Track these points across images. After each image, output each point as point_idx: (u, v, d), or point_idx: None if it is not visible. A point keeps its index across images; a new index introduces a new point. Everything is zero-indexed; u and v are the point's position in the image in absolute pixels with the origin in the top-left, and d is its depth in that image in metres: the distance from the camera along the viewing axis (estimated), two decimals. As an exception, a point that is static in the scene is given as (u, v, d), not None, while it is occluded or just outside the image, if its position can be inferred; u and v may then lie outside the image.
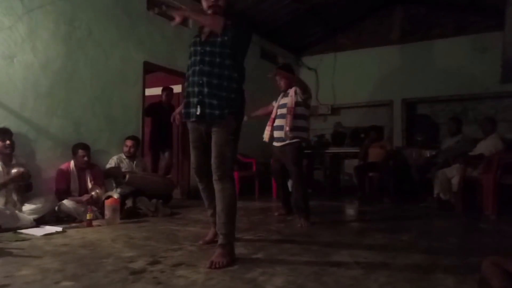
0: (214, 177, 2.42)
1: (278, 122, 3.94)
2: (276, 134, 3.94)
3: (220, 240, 2.34)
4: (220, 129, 2.41)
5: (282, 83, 4.01)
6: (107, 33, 4.67)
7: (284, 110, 3.88)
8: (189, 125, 2.60)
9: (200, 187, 2.74)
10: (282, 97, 4.04)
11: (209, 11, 2.49)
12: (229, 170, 2.42)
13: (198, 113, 2.41)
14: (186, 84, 2.57)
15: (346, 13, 7.67)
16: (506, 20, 5.39)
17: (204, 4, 2.53)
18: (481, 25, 6.88)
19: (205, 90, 2.40)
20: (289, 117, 3.77)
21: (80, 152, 4.01)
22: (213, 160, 2.41)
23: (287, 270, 2.13)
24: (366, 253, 2.54)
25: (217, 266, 2.17)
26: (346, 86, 7.94)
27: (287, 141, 3.79)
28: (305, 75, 8.41)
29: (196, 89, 2.43)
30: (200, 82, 2.42)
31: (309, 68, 8.34)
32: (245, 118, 3.04)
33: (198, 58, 2.46)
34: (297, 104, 3.83)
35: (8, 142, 3.50)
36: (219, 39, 2.41)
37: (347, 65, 7.97)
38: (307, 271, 2.13)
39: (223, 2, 2.53)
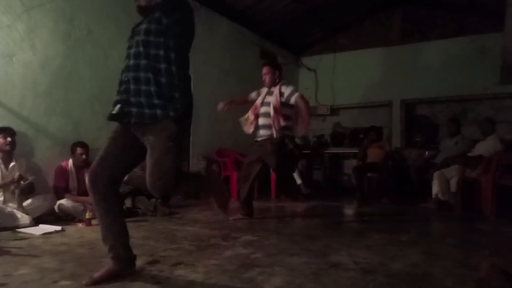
0: (156, 192, 2.02)
1: (262, 120, 3.86)
2: (260, 132, 3.89)
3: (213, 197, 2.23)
4: (155, 134, 1.95)
5: (266, 79, 3.93)
6: (106, 32, 4.66)
7: (268, 109, 3.82)
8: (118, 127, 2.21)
9: (95, 198, 1.99)
10: (266, 94, 3.93)
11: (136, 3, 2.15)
12: (172, 183, 1.97)
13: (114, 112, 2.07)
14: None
15: (345, 14, 7.67)
16: (505, 21, 5.39)
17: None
18: (480, 26, 6.88)
19: (131, 87, 2.01)
20: (277, 117, 3.74)
21: (79, 150, 4.01)
22: (148, 174, 1.94)
23: (286, 270, 2.13)
24: (365, 253, 2.54)
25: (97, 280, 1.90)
26: (346, 87, 7.94)
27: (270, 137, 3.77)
28: (304, 75, 8.43)
29: (122, 87, 2.08)
30: (126, 79, 2.04)
31: (309, 69, 8.34)
32: (220, 105, 3.02)
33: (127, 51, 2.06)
34: (282, 104, 3.78)
35: (9, 139, 3.50)
36: (152, 25, 1.99)
37: (347, 66, 7.97)
38: (305, 271, 2.13)
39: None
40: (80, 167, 4.06)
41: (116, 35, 4.79)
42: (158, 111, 1.93)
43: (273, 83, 3.89)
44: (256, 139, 3.96)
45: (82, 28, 4.40)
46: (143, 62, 1.97)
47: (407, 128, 7.56)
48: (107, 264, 1.99)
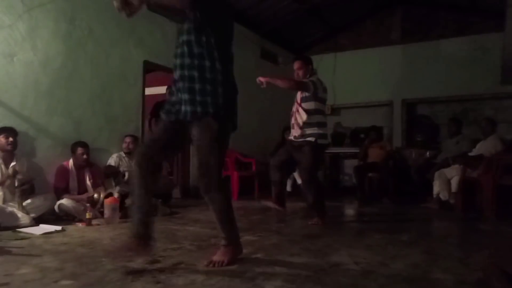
0: (201, 189, 2.21)
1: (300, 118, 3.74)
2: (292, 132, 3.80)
3: (222, 241, 2.27)
4: (199, 132, 2.09)
5: (300, 74, 3.81)
6: (107, 32, 4.67)
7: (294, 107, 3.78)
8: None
9: (137, 172, 2.15)
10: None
11: None
12: (215, 180, 2.15)
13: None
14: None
15: (346, 13, 7.66)
16: (506, 21, 5.39)
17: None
18: (481, 25, 6.88)
19: (179, 85, 2.13)
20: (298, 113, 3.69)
21: (79, 150, 4.01)
22: (197, 171, 2.18)
23: (286, 270, 2.13)
24: (366, 253, 2.54)
25: (215, 265, 2.16)
26: (346, 86, 7.93)
27: (302, 139, 3.64)
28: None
29: (173, 87, 2.20)
30: (175, 78, 2.16)
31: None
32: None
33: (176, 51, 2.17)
34: (304, 99, 3.69)
35: (11, 139, 3.51)
36: (192, 24, 2.09)
37: (347, 65, 7.96)
38: (306, 271, 2.13)
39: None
40: (81, 167, 4.06)
41: (117, 34, 4.80)
42: (199, 108, 2.06)
43: (306, 78, 3.76)
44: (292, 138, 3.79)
45: (83, 28, 4.40)
46: (187, 61, 2.09)
47: (408, 128, 7.55)
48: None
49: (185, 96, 2.09)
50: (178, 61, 2.13)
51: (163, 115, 2.25)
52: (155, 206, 4.15)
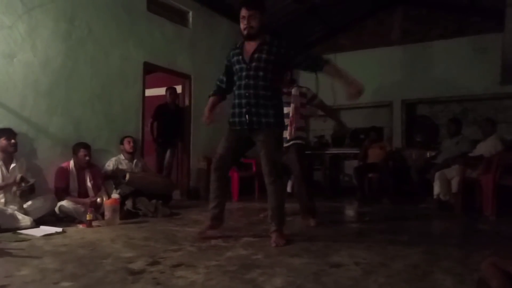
0: (268, 181, 2.80)
1: None
2: None
3: (274, 227, 2.81)
4: (267, 136, 2.80)
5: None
6: (107, 32, 4.67)
7: (287, 109, 3.78)
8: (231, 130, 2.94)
9: (213, 177, 2.92)
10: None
11: (244, 33, 2.82)
12: (280, 173, 2.83)
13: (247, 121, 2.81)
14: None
15: (346, 14, 7.67)
16: (506, 21, 5.40)
17: (240, 26, 2.83)
18: (481, 26, 6.88)
19: (252, 101, 2.81)
20: (296, 118, 3.80)
21: (82, 151, 4.01)
22: (264, 167, 2.79)
23: (287, 271, 2.13)
24: (366, 253, 2.54)
25: (280, 244, 2.71)
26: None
27: (292, 142, 3.75)
28: (304, 75, 8.40)
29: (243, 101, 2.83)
30: (247, 94, 2.82)
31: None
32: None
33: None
34: (302, 105, 3.91)
35: (13, 141, 3.51)
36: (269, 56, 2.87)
37: (347, 66, 7.79)
38: (306, 271, 2.13)
39: (256, 23, 2.78)
40: (82, 168, 4.06)
41: (117, 34, 4.80)
42: (271, 120, 2.83)
43: (288, 83, 3.93)
44: None
45: (82, 28, 4.40)
46: (261, 83, 2.82)
47: (407, 129, 7.55)
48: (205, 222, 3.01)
49: (260, 111, 2.83)
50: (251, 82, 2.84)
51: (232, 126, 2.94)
52: (155, 207, 4.17)
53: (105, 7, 4.65)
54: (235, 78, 2.92)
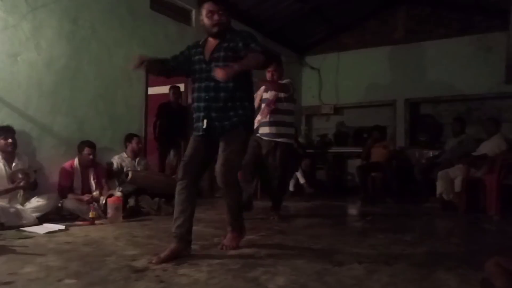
0: (220, 183, 2.53)
1: (274, 117, 3.94)
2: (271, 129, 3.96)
3: (230, 228, 2.69)
4: (231, 137, 2.53)
5: (275, 76, 4.00)
6: (111, 32, 4.68)
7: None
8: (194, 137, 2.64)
9: (179, 186, 2.50)
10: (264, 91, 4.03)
11: (214, 30, 2.53)
12: (235, 177, 2.61)
13: (204, 126, 2.52)
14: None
15: (349, 13, 7.65)
16: (510, 20, 5.37)
17: (207, 22, 2.54)
18: (485, 25, 6.85)
19: (213, 105, 2.53)
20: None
21: (87, 150, 4.03)
22: (219, 168, 2.50)
23: (290, 270, 2.13)
24: (369, 253, 2.54)
25: (225, 248, 2.58)
26: (349, 86, 7.92)
27: (280, 139, 3.90)
28: (308, 74, 8.41)
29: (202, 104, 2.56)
30: (207, 97, 2.54)
31: (312, 68, 8.33)
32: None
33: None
34: (278, 100, 3.91)
35: (10, 140, 3.50)
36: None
37: (350, 65, 7.95)
38: (309, 270, 2.13)
39: (225, 18, 2.54)
40: (86, 166, 4.07)
41: (121, 34, 4.81)
42: (234, 119, 2.54)
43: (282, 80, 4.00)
44: (262, 135, 3.98)
45: (86, 28, 4.41)
46: (222, 84, 2.48)
47: (411, 128, 7.53)
48: (170, 244, 2.42)
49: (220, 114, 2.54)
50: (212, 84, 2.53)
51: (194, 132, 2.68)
52: (158, 205, 4.18)
53: (108, 7, 4.66)
54: (194, 78, 2.63)
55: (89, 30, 4.44)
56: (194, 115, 2.60)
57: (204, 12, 2.55)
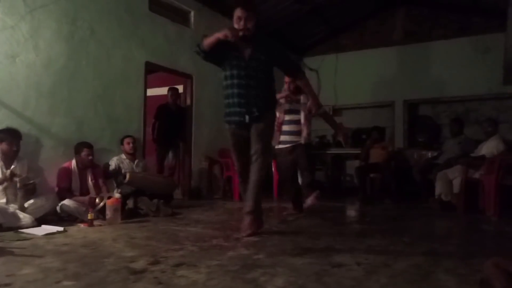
0: (254, 152, 2.92)
1: (289, 127, 4.23)
2: (286, 138, 4.24)
3: (248, 208, 2.90)
4: (263, 119, 2.97)
5: (291, 87, 4.18)
6: (109, 33, 4.68)
7: (296, 117, 4.23)
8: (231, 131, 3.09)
9: (240, 180, 3.19)
10: (292, 101, 4.23)
11: (241, 34, 2.85)
12: (268, 147, 3.03)
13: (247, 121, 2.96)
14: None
15: (348, 14, 7.67)
16: (508, 21, 5.38)
17: (236, 26, 2.89)
18: (483, 26, 6.87)
19: (252, 100, 2.97)
20: (306, 124, 4.23)
21: (85, 151, 4.02)
22: (254, 145, 2.92)
23: (288, 271, 2.12)
24: (368, 254, 2.54)
25: (246, 232, 2.85)
26: (348, 87, 7.93)
27: (299, 142, 4.22)
28: (306, 75, 8.40)
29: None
30: (242, 93, 2.96)
31: (311, 69, 8.34)
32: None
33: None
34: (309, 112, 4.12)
35: (14, 149, 3.49)
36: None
37: (349, 66, 7.96)
38: (308, 271, 2.12)
39: (252, 25, 2.86)
40: (84, 167, 4.07)
41: (119, 35, 4.81)
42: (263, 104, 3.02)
43: (294, 92, 4.17)
44: (279, 146, 4.28)
45: (85, 29, 4.41)
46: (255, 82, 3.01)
47: (409, 129, 7.55)
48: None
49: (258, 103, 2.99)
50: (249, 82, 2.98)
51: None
52: (157, 207, 4.17)
53: (107, 8, 4.66)
54: (227, 73, 3.00)
55: (88, 31, 4.44)
56: (230, 109, 2.99)
57: (234, 16, 2.90)
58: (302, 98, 4.18)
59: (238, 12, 2.87)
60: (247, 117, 2.95)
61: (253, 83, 2.94)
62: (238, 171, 3.22)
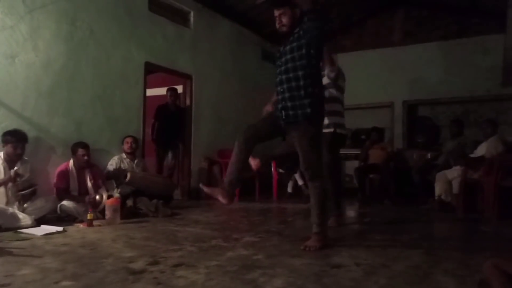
0: (306, 177, 2.79)
1: None
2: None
3: (314, 228, 2.72)
4: (299, 133, 2.71)
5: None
6: (108, 33, 4.68)
7: None
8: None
9: (239, 141, 2.81)
10: None
11: (280, 31, 2.84)
12: (317, 171, 2.73)
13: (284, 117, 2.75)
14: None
15: (347, 15, 7.67)
16: (507, 22, 5.39)
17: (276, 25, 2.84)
18: (482, 27, 6.87)
19: (286, 95, 2.75)
20: None
21: (80, 151, 4.02)
22: (301, 164, 2.76)
23: (287, 271, 2.12)
24: (367, 254, 2.54)
25: (310, 249, 2.61)
26: (347, 88, 7.87)
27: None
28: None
29: (279, 96, 2.80)
30: (281, 89, 2.78)
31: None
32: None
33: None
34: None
35: (19, 152, 3.49)
36: (295, 43, 2.72)
37: (349, 67, 7.87)
38: (307, 272, 2.12)
39: (287, 19, 2.77)
40: (81, 168, 4.06)
41: (119, 35, 4.80)
42: (299, 111, 2.69)
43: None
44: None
45: (84, 29, 4.41)
46: (292, 75, 2.72)
47: (409, 130, 7.54)
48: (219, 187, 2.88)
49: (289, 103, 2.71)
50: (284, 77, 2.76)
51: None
52: (156, 207, 4.17)
53: (106, 8, 4.66)
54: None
55: (87, 31, 4.44)
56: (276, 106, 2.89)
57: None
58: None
59: (274, 13, 2.84)
60: (283, 113, 2.75)
61: (286, 77, 2.74)
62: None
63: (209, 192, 2.86)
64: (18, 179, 3.42)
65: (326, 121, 3.53)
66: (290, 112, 2.71)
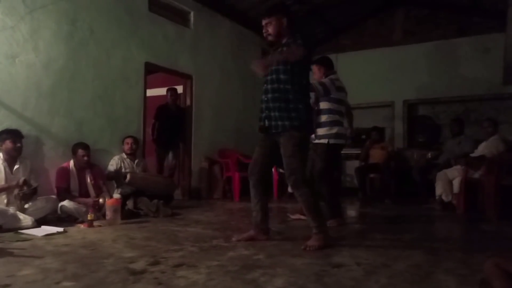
0: (289, 184, 2.83)
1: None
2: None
3: (313, 230, 2.73)
4: (283, 140, 2.72)
5: (315, 77, 3.78)
6: (109, 33, 4.68)
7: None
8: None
9: (250, 183, 2.93)
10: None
11: (267, 40, 2.85)
12: (299, 177, 2.72)
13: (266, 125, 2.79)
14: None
15: (348, 14, 7.66)
16: (508, 21, 5.38)
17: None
18: (483, 26, 6.86)
19: (270, 105, 2.76)
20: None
21: (80, 151, 4.02)
22: (285, 171, 2.79)
23: (288, 271, 2.12)
24: (367, 254, 2.54)
25: (311, 248, 2.61)
26: (348, 87, 7.81)
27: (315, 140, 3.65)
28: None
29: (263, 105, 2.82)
30: (265, 99, 2.79)
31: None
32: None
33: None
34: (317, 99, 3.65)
35: (18, 145, 3.52)
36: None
37: (349, 66, 7.93)
38: (308, 272, 2.12)
39: (272, 29, 2.78)
40: (82, 168, 4.06)
41: (119, 36, 4.81)
42: (286, 122, 2.70)
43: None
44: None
45: (85, 29, 4.41)
46: (275, 86, 2.75)
47: (409, 129, 7.54)
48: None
49: (276, 114, 2.73)
50: (269, 86, 2.77)
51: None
52: (157, 207, 4.17)
53: (107, 8, 4.66)
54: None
55: (87, 31, 4.44)
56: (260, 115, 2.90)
57: None
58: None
59: (262, 22, 2.84)
60: (266, 121, 2.79)
61: (270, 87, 2.76)
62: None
63: (246, 239, 2.87)
64: (25, 188, 3.42)
65: (320, 131, 3.62)
66: (273, 123, 2.75)
